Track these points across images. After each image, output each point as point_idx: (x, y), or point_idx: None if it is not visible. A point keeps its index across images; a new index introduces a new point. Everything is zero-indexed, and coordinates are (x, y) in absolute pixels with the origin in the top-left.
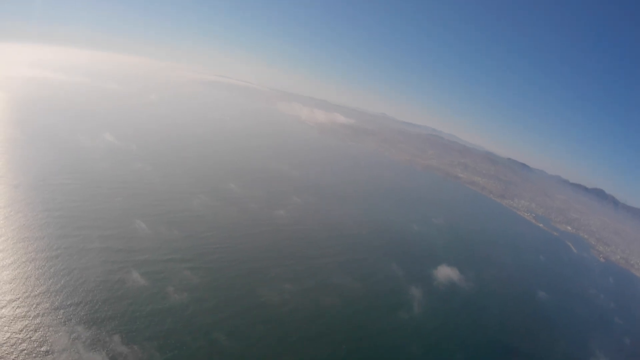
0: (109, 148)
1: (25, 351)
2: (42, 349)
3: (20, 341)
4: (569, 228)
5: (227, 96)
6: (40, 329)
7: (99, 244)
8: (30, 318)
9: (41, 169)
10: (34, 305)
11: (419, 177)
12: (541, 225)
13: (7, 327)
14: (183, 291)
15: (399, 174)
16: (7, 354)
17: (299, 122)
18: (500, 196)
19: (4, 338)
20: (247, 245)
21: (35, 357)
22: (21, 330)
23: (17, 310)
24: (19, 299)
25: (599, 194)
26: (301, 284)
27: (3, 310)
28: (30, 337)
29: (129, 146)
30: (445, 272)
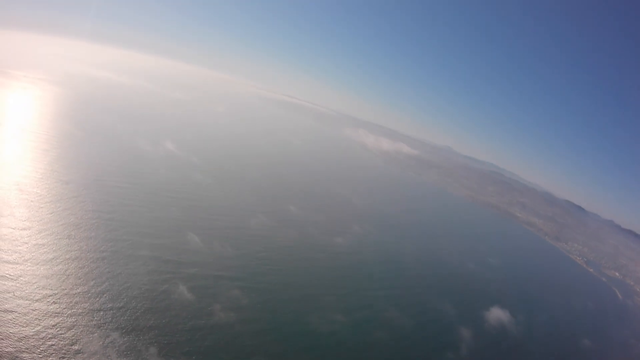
0: (169, 156)
1: (54, 347)
2: (72, 347)
3: (50, 336)
4: (617, 274)
5: (294, 117)
6: (74, 329)
7: (148, 252)
8: (65, 316)
9: (96, 168)
10: (71, 304)
11: (477, 213)
12: (591, 270)
13: (38, 321)
14: (230, 310)
15: (458, 209)
16: (33, 346)
17: (365, 149)
18: (555, 238)
19: (33, 331)
20: (301, 270)
21: (64, 354)
22: (53, 326)
23: (51, 305)
24: (55, 294)
25: None
26: (352, 315)
27: (37, 303)
28: (61, 334)
29: (190, 157)
30: (496, 314)
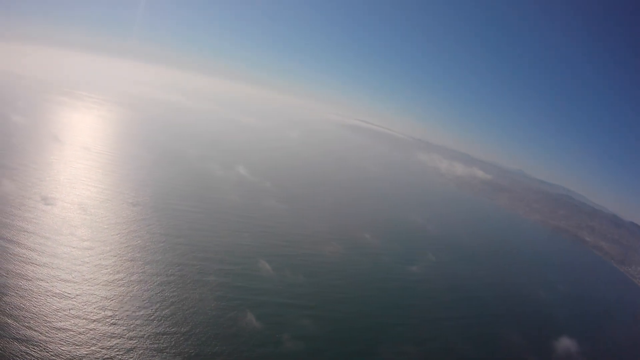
0: (242, 181)
1: None
2: None
3: (106, 357)
4: None
5: (367, 141)
6: (133, 351)
7: (217, 278)
8: (124, 338)
9: (165, 191)
10: (132, 326)
11: (548, 238)
12: None
13: (94, 341)
14: (299, 339)
15: (529, 234)
16: None
17: (438, 174)
18: (620, 262)
19: (88, 351)
20: (373, 299)
21: None
22: (110, 348)
23: (110, 327)
24: (115, 316)
25: None
26: (423, 345)
27: (94, 324)
28: (118, 356)
29: (263, 182)
30: (565, 345)
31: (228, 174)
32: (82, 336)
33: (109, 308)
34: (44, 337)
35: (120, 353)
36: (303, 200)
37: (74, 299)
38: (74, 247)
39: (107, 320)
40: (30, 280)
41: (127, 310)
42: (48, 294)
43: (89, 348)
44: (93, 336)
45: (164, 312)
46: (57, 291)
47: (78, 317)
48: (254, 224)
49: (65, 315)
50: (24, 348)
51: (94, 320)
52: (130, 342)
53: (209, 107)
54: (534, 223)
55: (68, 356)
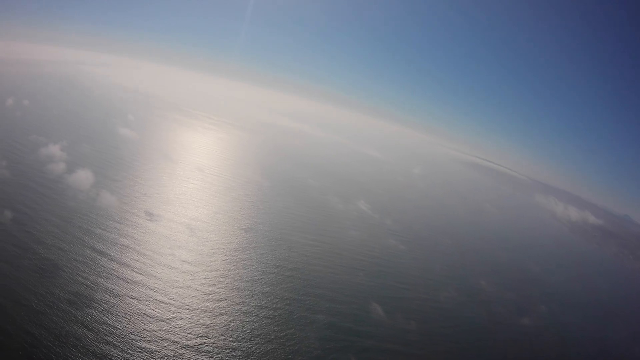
0: (362, 217)
1: None
2: None
3: None
4: None
5: (486, 180)
6: None
7: (326, 317)
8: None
9: (281, 220)
10: (227, 357)
11: None
12: None
13: None
14: None
15: (636, 288)
16: None
17: (554, 218)
18: None
19: None
20: (484, 351)
21: None
22: None
23: (203, 355)
24: (210, 344)
25: None
26: None
27: (186, 349)
28: None
29: (384, 219)
30: None
31: (348, 208)
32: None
33: (204, 335)
34: (124, 355)
35: None
36: (422, 240)
37: (167, 322)
38: (173, 268)
39: (200, 347)
40: (120, 296)
41: (224, 340)
42: (137, 312)
43: None
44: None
45: (263, 347)
46: (149, 311)
47: (168, 339)
48: (370, 263)
49: (154, 336)
50: None
51: (185, 346)
52: None
53: (328, 135)
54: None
55: None
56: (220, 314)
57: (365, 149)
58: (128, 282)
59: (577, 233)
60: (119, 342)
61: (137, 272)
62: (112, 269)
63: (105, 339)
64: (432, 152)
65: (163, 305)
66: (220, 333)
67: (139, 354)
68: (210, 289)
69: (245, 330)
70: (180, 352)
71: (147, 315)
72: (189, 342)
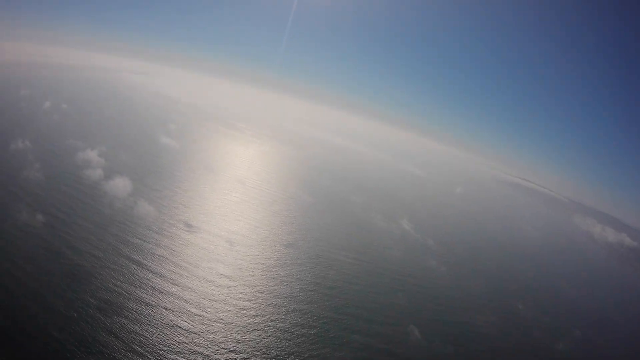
0: (404, 236)
1: None
2: None
3: None
4: None
5: (527, 201)
6: None
7: (362, 337)
8: None
9: (322, 237)
10: None
11: None
12: None
13: None
14: None
15: None
16: None
17: (592, 240)
18: None
19: None
20: None
21: None
22: None
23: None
24: (243, 359)
25: None
26: None
27: None
28: None
29: (426, 239)
30: None
31: (391, 227)
32: None
33: (236, 350)
34: None
35: None
36: (463, 261)
37: (199, 335)
38: (210, 282)
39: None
40: (153, 306)
41: (256, 357)
42: (169, 323)
43: None
44: None
45: None
46: (181, 322)
47: (198, 352)
48: (410, 284)
49: (184, 349)
50: None
51: None
52: None
53: (370, 151)
54: None
55: None
56: (254, 329)
57: (407, 166)
58: (162, 293)
59: (613, 255)
60: (147, 351)
61: (172, 283)
62: (147, 279)
63: (132, 348)
64: (474, 170)
65: (196, 317)
66: (252, 349)
67: None
68: (246, 304)
69: (278, 347)
70: None
71: (179, 327)
72: (219, 356)
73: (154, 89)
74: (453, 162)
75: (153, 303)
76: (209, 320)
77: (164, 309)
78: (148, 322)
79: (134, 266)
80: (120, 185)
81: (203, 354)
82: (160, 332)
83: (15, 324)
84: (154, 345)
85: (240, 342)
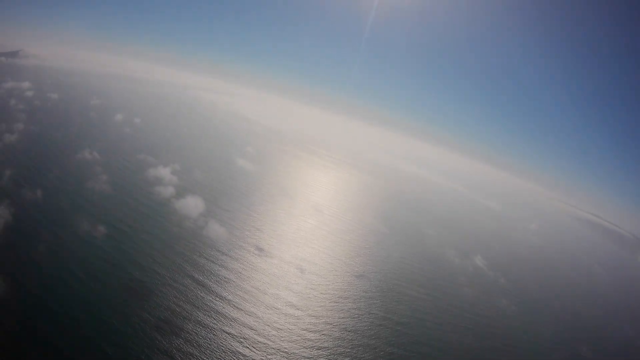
0: (477, 273)
1: None
2: None
3: None
4: None
5: (596, 239)
6: None
7: None
8: None
9: (395, 270)
10: None
11: None
12: None
13: None
14: None
15: None
16: None
17: None
18: None
19: None
20: None
21: None
22: None
23: None
24: None
25: None
26: None
27: None
28: None
29: (499, 277)
30: None
31: (465, 263)
32: None
33: None
34: None
35: None
36: (533, 302)
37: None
38: (276, 309)
39: None
40: (213, 330)
41: None
42: (229, 349)
43: None
44: None
45: None
46: (242, 349)
47: None
48: (480, 323)
49: None
50: None
51: None
52: None
53: (445, 182)
54: None
55: None
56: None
57: (482, 199)
58: (224, 317)
59: None
60: None
61: (235, 308)
62: (210, 301)
63: None
64: (546, 205)
65: (259, 344)
66: None
67: None
68: (313, 335)
69: None
70: None
71: (239, 353)
72: None
73: (236, 110)
74: (527, 196)
75: (214, 326)
76: (273, 349)
77: (225, 333)
78: (207, 345)
79: (198, 287)
80: (191, 205)
81: None
82: (219, 356)
83: (65, 335)
84: None
85: None
